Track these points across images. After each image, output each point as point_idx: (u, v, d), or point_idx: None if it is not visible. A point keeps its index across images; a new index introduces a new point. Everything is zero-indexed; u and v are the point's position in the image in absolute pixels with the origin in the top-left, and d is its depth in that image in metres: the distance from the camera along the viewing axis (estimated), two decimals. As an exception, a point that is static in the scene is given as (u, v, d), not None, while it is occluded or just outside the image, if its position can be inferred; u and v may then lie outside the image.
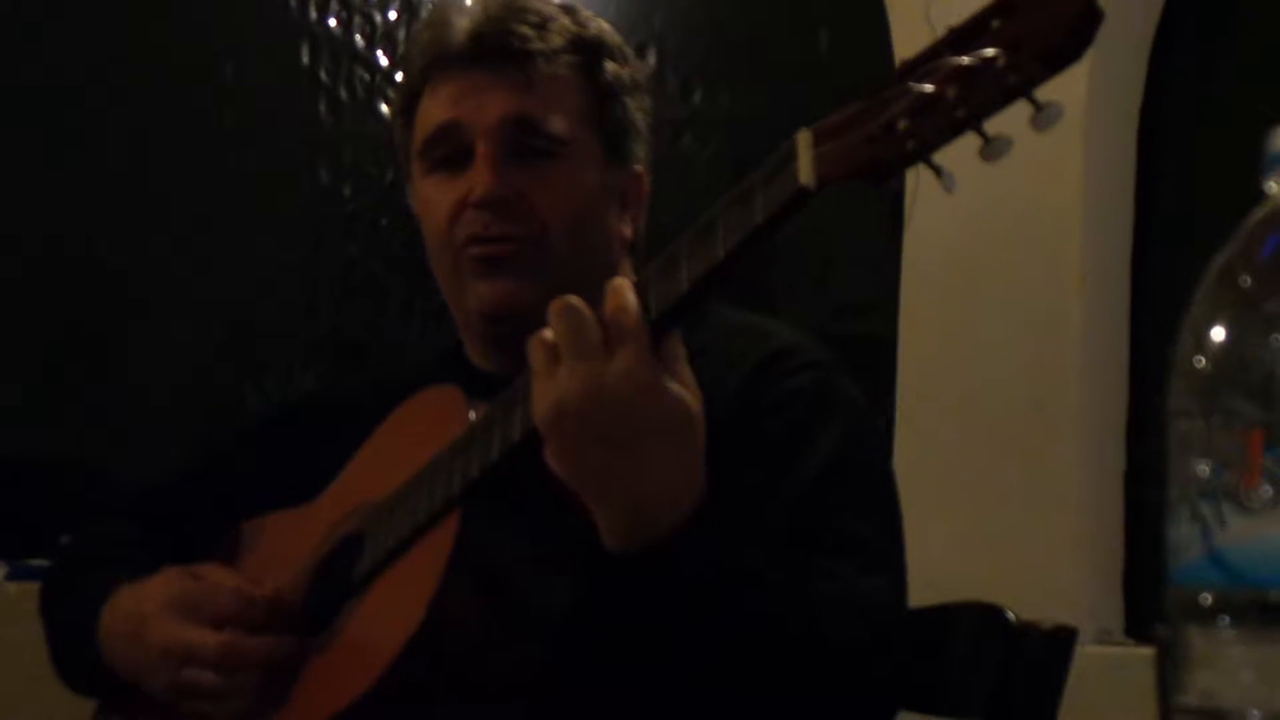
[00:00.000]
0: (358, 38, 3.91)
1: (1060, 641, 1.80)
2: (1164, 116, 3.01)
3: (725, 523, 1.54)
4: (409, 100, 1.89)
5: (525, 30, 1.82)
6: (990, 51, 1.24)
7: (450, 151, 1.84)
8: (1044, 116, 1.26)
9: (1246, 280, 0.90)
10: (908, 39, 3.09)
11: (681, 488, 1.51)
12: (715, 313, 1.86)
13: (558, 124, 1.83)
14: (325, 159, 3.93)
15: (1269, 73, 2.92)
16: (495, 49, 1.82)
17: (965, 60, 1.26)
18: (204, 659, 1.73)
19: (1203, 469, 0.89)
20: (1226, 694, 0.87)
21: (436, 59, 1.85)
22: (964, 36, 1.28)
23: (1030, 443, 2.95)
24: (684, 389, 1.49)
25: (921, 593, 1.82)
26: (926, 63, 1.30)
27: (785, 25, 3.50)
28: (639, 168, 1.90)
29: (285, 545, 1.87)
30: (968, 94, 1.26)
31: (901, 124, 1.30)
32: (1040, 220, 3.04)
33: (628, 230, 1.88)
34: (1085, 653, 1.92)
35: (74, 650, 1.91)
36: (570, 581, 1.59)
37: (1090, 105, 2.91)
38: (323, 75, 3.94)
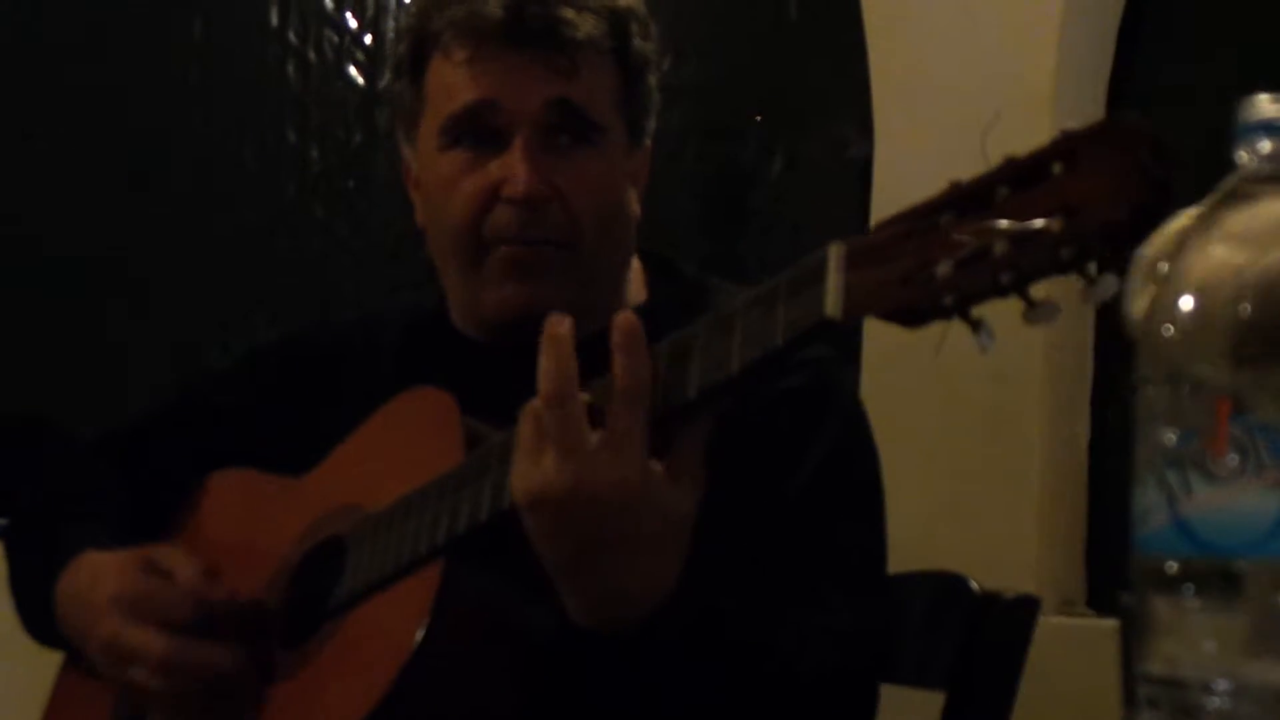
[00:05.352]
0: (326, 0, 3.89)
1: (1022, 611, 1.81)
2: (1134, 86, 3.01)
3: (698, 605, 1.47)
4: (418, 59, 1.81)
5: (568, 13, 1.75)
6: (1043, 223, 1.13)
7: (480, 131, 1.77)
8: (1096, 291, 1.12)
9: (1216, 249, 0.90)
10: (877, 8, 3.09)
11: (657, 583, 1.44)
12: (711, 294, 1.83)
13: (597, 111, 1.77)
14: (293, 120, 3.91)
15: (1237, 43, 2.92)
16: (539, 32, 1.74)
17: (1018, 227, 1.15)
18: (147, 663, 1.69)
19: (1170, 437, 0.89)
20: (1190, 662, 0.87)
21: (466, 28, 1.77)
22: (1021, 173, 1.18)
23: (993, 414, 2.95)
24: (683, 489, 1.41)
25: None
26: (979, 195, 1.20)
27: (756, -7, 3.50)
28: (648, 142, 1.86)
29: (261, 525, 1.84)
30: (1017, 258, 1.15)
31: (941, 269, 1.20)
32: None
33: (638, 209, 1.84)
34: (1047, 623, 1.92)
35: (35, 608, 1.90)
36: (555, 604, 1.54)
37: (1059, 77, 2.91)
38: (291, 36, 3.92)
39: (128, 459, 1.99)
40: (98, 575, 1.78)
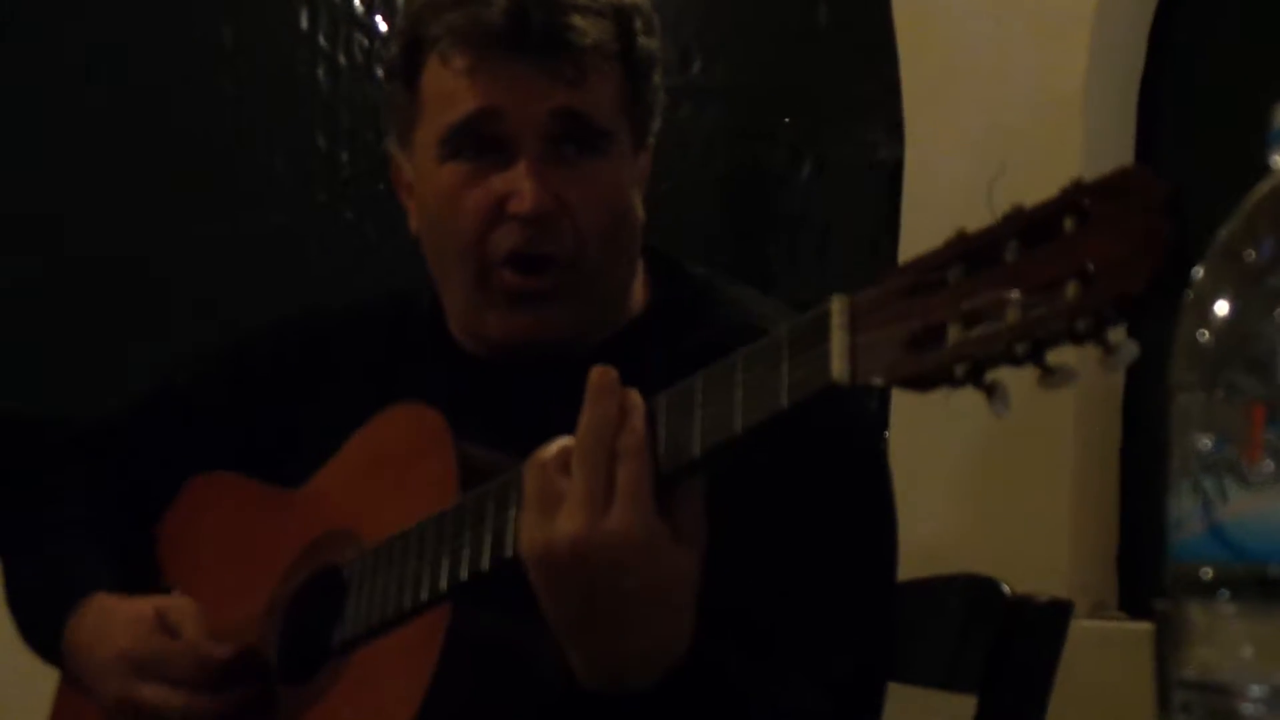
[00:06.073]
0: (357, 3, 3.90)
1: (1055, 615, 1.80)
2: (1165, 89, 3.00)
3: (710, 669, 1.45)
4: (412, 62, 1.75)
5: (574, 19, 1.69)
6: (1059, 293, 1.06)
7: (482, 142, 1.71)
8: (1115, 360, 1.07)
9: (1251, 255, 0.90)
10: (907, 10, 3.08)
11: (662, 649, 1.41)
12: (717, 293, 1.81)
13: (603, 118, 1.72)
14: (323, 124, 3.92)
15: (1271, 45, 2.91)
16: (543, 39, 1.68)
17: (1030, 301, 1.09)
18: (158, 717, 1.69)
19: (1205, 443, 0.88)
20: (1225, 668, 0.87)
21: (466, 35, 1.70)
22: (1031, 226, 1.11)
23: (1026, 418, 2.95)
24: (685, 546, 1.38)
25: (917, 567, 1.82)
26: (987, 248, 1.14)
27: (785, -4, 3.49)
28: (651, 141, 1.81)
29: (253, 541, 1.81)
30: (1032, 327, 1.09)
31: (952, 335, 1.14)
32: (1039, 197, 3.02)
33: (642, 213, 1.79)
34: (1080, 627, 1.92)
35: (35, 630, 1.88)
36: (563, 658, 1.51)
37: (1089, 80, 2.91)
38: (321, 40, 3.93)
39: (113, 456, 1.96)
40: (105, 627, 1.77)
